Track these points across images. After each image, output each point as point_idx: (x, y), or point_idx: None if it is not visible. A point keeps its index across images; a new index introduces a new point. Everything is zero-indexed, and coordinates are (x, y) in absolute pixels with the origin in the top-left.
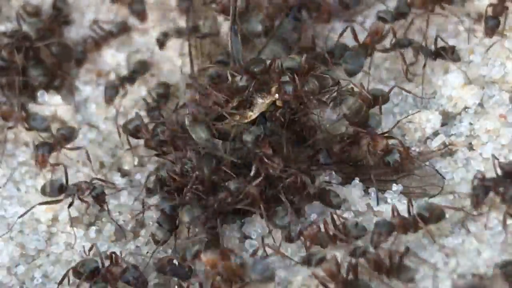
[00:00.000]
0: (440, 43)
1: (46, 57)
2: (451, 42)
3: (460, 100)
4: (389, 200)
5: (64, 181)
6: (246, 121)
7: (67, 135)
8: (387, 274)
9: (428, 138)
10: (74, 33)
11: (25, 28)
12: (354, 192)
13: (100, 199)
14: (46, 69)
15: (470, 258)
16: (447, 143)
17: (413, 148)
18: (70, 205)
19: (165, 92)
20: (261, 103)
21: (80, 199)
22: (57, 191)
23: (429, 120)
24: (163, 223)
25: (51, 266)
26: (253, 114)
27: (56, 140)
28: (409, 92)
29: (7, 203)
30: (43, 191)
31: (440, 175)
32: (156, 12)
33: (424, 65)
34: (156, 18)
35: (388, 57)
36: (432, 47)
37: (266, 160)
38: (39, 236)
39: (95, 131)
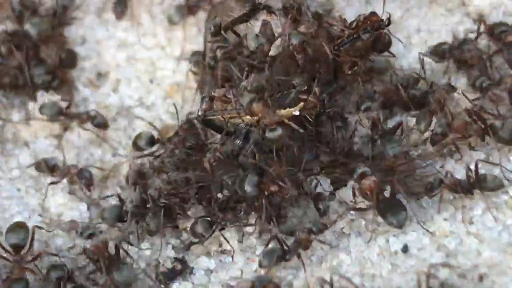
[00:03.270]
0: None
1: (47, 56)
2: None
3: (460, 100)
4: None
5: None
6: (238, 121)
7: None
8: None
9: (427, 138)
10: (74, 33)
11: (27, 27)
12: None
13: None
14: (48, 68)
15: (470, 258)
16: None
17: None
18: None
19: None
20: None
21: None
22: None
23: None
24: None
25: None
26: (248, 120)
27: None
28: None
29: (7, 203)
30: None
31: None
32: None
33: None
34: None
35: None
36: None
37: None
38: (39, 236)
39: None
